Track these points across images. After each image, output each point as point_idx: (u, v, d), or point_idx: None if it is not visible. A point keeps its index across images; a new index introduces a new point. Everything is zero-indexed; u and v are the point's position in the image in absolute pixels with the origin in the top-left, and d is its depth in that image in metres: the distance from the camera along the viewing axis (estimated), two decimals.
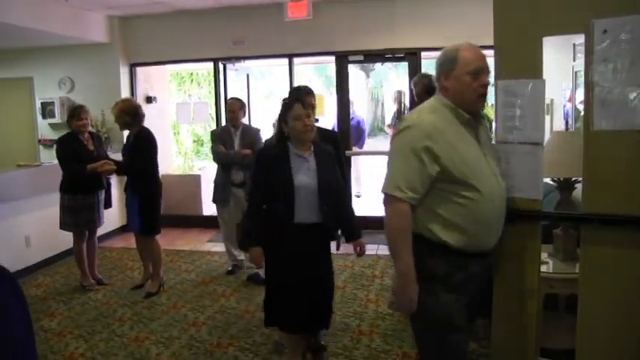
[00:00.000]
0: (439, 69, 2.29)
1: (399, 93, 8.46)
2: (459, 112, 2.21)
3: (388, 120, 20.67)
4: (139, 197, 4.80)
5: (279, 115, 3.11)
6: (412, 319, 2.33)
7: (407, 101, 8.33)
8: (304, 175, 3.02)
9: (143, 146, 4.79)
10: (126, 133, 5.11)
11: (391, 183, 2.16)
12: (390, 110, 21.10)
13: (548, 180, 3.55)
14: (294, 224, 3.01)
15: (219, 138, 5.24)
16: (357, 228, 3.39)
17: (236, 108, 5.25)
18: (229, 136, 5.23)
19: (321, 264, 3.20)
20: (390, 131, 8.43)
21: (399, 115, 8.24)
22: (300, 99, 3.12)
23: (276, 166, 3.05)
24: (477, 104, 2.26)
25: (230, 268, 5.47)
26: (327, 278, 3.28)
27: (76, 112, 4.95)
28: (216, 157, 5.23)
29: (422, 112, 2.28)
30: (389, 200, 2.17)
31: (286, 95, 3.65)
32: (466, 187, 2.13)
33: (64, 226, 4.98)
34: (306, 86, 3.79)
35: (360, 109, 8.33)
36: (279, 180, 3.01)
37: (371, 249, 6.27)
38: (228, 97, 5.61)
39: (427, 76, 3.97)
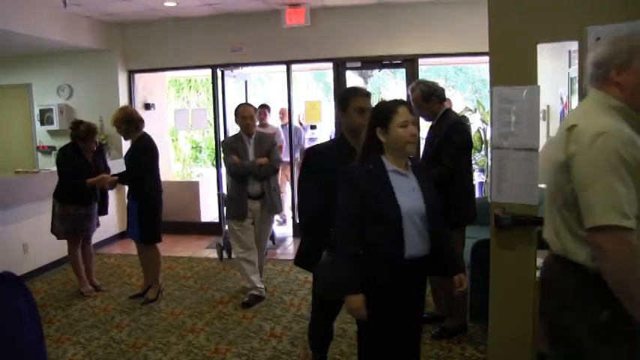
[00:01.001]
0: (609, 61, 1.80)
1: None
2: (633, 116, 1.78)
3: None
4: (138, 204, 4.76)
5: (372, 120, 2.48)
6: None
7: None
8: (409, 197, 2.39)
9: (141, 153, 4.72)
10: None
11: (611, 209, 1.62)
12: None
13: (543, 186, 3.56)
14: (404, 259, 2.37)
15: (232, 148, 4.77)
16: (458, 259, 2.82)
17: (252, 114, 4.83)
18: (243, 145, 4.78)
19: (422, 304, 2.66)
20: None
21: None
22: (405, 102, 2.49)
23: (375, 187, 2.37)
24: None
25: (246, 299, 4.77)
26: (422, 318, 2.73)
27: (84, 137, 4.92)
28: (230, 169, 4.78)
29: (597, 115, 1.79)
30: (613, 234, 1.62)
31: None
32: None
33: (53, 230, 5.00)
34: (363, 87, 3.20)
35: None
36: (381, 204, 2.35)
37: None
38: (240, 103, 5.03)
39: (425, 83, 3.98)
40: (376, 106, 2.56)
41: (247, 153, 4.76)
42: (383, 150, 2.45)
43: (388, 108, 2.44)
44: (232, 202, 4.80)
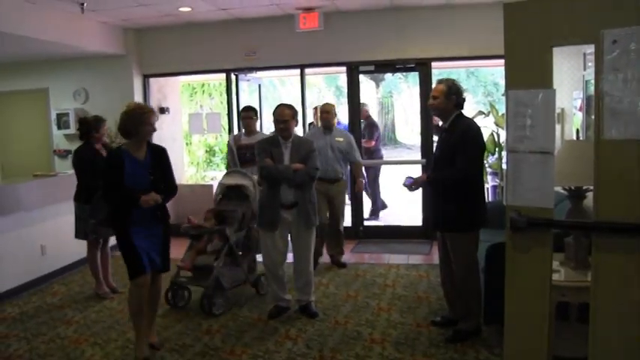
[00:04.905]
0: None
1: (364, 105, 8.35)
2: None
3: (398, 130, 20.86)
4: (165, 226, 3.92)
5: None
6: None
7: (373, 113, 8.35)
8: None
9: (166, 158, 3.94)
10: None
11: None
12: (400, 120, 21.24)
13: (559, 189, 3.57)
14: None
15: (265, 150, 4.38)
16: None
17: (287, 116, 4.36)
18: (278, 149, 4.36)
19: None
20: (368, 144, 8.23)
21: (369, 128, 8.26)
22: None
23: None
24: None
25: (272, 310, 4.56)
26: None
27: (98, 125, 5.03)
28: (262, 172, 4.35)
29: None
30: None
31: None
32: None
33: (79, 234, 5.05)
34: None
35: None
36: None
37: (383, 258, 6.31)
38: (278, 104, 4.51)
39: (454, 81, 3.88)
40: None
41: (282, 158, 4.35)
42: None
43: None
44: (264, 211, 4.42)
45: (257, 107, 7.80)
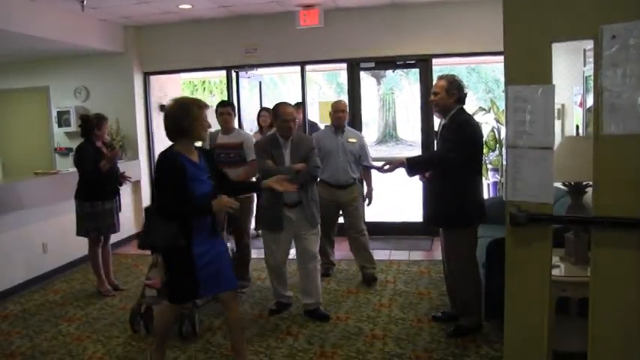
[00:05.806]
0: None
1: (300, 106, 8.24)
2: None
3: (399, 126, 20.88)
4: (221, 238, 3.54)
5: None
6: None
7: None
8: None
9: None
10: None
11: None
12: (401, 116, 21.25)
13: (559, 184, 3.57)
14: None
15: (266, 151, 4.26)
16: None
17: (294, 116, 4.29)
18: (278, 150, 4.25)
19: None
20: None
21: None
22: None
23: None
24: None
25: (273, 307, 4.58)
26: None
27: (100, 123, 5.05)
28: (264, 174, 4.13)
29: None
30: None
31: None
32: None
33: (80, 232, 5.06)
34: None
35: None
36: None
37: (384, 254, 6.32)
38: (279, 102, 4.42)
39: (455, 76, 3.89)
40: None
41: (283, 158, 4.24)
42: None
43: None
44: (266, 212, 4.34)
45: (258, 104, 7.84)
